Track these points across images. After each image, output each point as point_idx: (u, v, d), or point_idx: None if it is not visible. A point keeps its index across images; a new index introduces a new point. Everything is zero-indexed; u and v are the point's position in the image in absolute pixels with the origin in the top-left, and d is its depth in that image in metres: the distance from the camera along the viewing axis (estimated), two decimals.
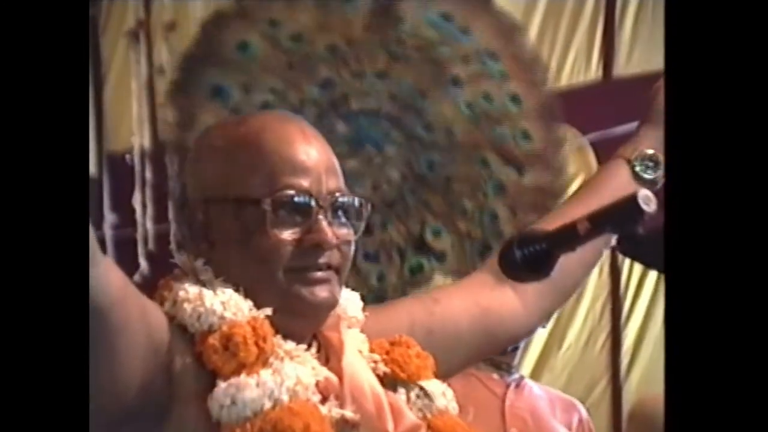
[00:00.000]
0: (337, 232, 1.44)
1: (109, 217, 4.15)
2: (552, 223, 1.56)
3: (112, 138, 4.23)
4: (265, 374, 1.36)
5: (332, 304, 1.45)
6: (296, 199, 1.42)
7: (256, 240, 1.42)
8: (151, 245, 3.94)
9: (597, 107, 3.81)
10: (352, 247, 1.47)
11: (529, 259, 1.38)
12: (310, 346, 1.45)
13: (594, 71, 3.97)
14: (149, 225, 3.96)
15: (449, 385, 2.52)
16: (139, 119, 4.05)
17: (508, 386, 2.61)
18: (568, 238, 1.38)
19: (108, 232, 4.13)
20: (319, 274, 1.43)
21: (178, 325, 1.40)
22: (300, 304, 1.42)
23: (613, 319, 4.01)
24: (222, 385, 1.35)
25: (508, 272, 1.40)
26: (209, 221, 1.44)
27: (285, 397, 1.35)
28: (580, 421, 2.67)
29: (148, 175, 3.97)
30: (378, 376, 1.47)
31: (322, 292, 1.43)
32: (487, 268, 1.64)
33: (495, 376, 2.62)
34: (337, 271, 1.44)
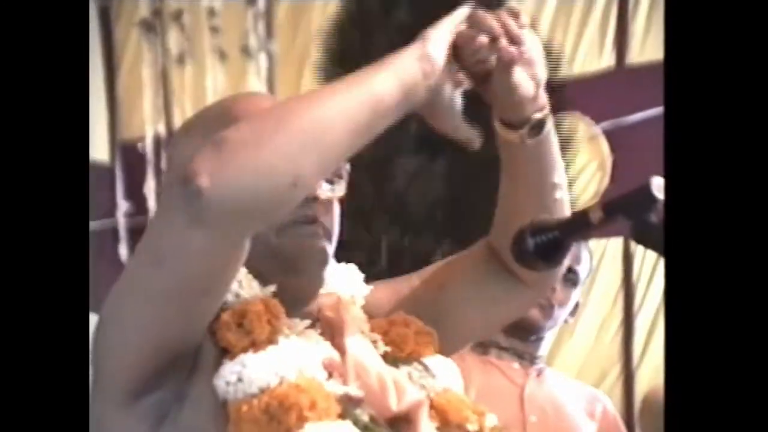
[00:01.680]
0: (319, 189, 1.44)
1: (123, 205, 4.16)
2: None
3: (125, 126, 4.25)
4: (272, 351, 1.37)
5: (324, 256, 1.44)
6: None
7: None
8: None
9: (610, 95, 3.81)
10: (337, 208, 1.46)
11: (542, 247, 1.38)
12: (313, 325, 1.45)
13: (607, 59, 3.96)
14: None
15: (469, 374, 2.53)
16: (154, 107, 4.06)
17: (528, 375, 2.61)
18: (581, 226, 1.38)
19: (121, 219, 4.14)
20: (308, 227, 1.42)
21: None
22: (291, 257, 1.42)
23: (625, 307, 4.01)
24: (228, 362, 1.36)
25: (521, 261, 1.40)
26: None
27: (291, 374, 1.35)
28: (604, 412, 2.67)
29: (164, 163, 3.99)
30: (379, 354, 1.48)
31: (312, 244, 1.43)
32: (488, 242, 1.62)
33: (515, 365, 2.62)
34: (324, 228, 1.44)
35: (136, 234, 4.11)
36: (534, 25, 1.45)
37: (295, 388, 1.33)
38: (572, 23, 3.94)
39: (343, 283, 1.51)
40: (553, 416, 2.59)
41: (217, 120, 1.45)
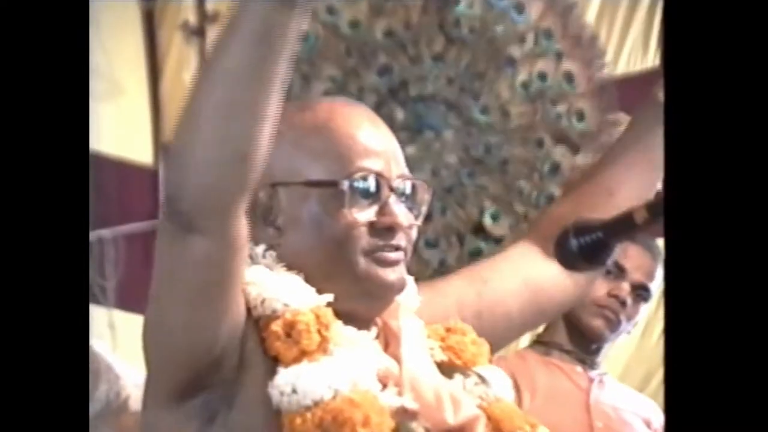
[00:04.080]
0: (406, 214, 1.46)
1: None
2: (597, 172, 1.66)
3: (169, 128, 4.27)
4: (326, 362, 1.36)
5: (402, 286, 1.46)
6: (372, 181, 1.44)
7: (330, 222, 1.43)
8: None
9: None
10: (416, 231, 1.48)
11: (586, 248, 1.37)
12: (369, 329, 1.45)
13: (651, 59, 3.92)
14: None
15: (533, 374, 2.53)
16: None
17: (591, 381, 2.60)
18: (625, 227, 1.37)
19: None
20: (392, 255, 1.44)
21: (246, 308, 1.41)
22: (375, 285, 1.43)
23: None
24: (283, 372, 1.36)
25: (564, 261, 1.39)
26: (276, 206, 1.45)
27: (345, 387, 1.35)
28: (661, 423, 2.66)
29: None
30: (435, 362, 1.47)
31: (393, 274, 1.44)
32: (534, 237, 1.64)
33: (579, 369, 2.61)
34: (405, 253, 1.46)
35: None
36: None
37: (348, 402, 1.33)
38: (617, 23, 3.91)
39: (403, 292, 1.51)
40: (616, 423, 2.58)
41: (310, 131, 1.46)
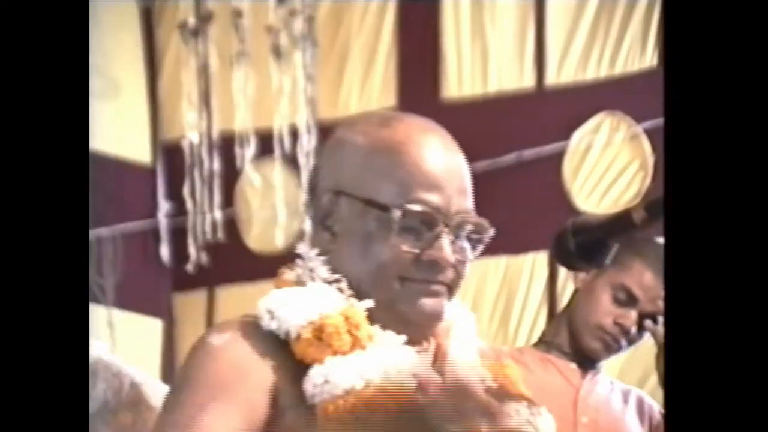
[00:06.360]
0: (457, 251, 1.45)
1: (164, 206, 4.19)
2: None
3: (167, 127, 4.27)
4: (358, 356, 1.38)
5: (437, 317, 1.46)
6: (425, 214, 1.44)
7: (377, 245, 1.44)
8: (219, 233, 3.98)
9: (652, 95, 3.77)
10: (467, 267, 1.47)
11: (584, 247, 1.37)
12: (418, 344, 1.46)
13: (649, 59, 3.92)
14: (217, 212, 3.99)
15: (527, 366, 2.54)
16: (195, 109, 4.08)
17: (584, 377, 2.61)
18: (624, 226, 1.37)
19: (162, 220, 4.17)
20: (432, 287, 1.44)
21: (277, 338, 1.42)
22: (407, 313, 1.44)
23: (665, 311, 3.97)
24: (316, 367, 1.38)
25: (563, 261, 1.39)
26: (335, 211, 1.47)
27: (376, 378, 1.36)
28: (652, 419, 2.66)
29: (216, 164, 4.00)
30: (486, 389, 1.48)
31: (429, 305, 1.44)
32: None
33: (573, 366, 2.61)
34: (449, 288, 1.46)
35: (177, 235, 4.13)
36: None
37: (381, 390, 1.36)
38: (615, 22, 3.91)
39: (456, 318, 1.52)
40: (605, 418, 2.58)
41: (382, 149, 1.47)
